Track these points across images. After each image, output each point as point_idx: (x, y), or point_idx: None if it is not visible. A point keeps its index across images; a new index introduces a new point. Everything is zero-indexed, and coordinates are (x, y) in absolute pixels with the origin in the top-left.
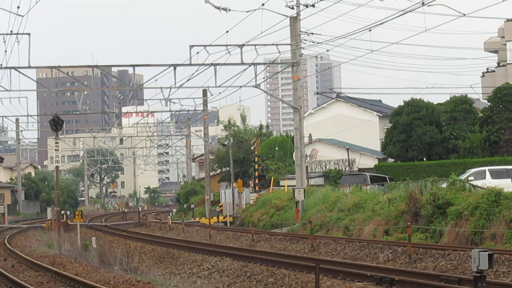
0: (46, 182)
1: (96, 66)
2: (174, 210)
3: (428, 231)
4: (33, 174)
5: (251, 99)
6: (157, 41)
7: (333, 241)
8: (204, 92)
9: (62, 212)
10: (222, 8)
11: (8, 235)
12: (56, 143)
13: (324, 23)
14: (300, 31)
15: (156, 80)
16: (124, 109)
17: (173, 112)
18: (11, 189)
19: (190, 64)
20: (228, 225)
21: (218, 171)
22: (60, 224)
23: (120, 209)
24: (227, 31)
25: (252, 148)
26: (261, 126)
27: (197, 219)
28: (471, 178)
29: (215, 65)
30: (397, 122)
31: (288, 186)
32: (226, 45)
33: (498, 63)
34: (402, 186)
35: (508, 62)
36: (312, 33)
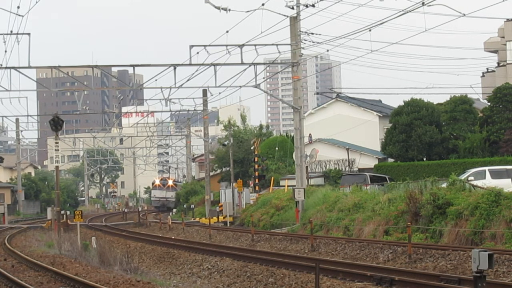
0: (46, 182)
1: (96, 66)
2: (174, 210)
3: (428, 231)
4: (33, 174)
5: (251, 99)
6: (157, 41)
7: (333, 241)
8: (204, 92)
9: (62, 212)
10: (222, 8)
11: (8, 235)
12: (56, 143)
13: (324, 23)
14: (300, 31)
15: (156, 80)
16: (124, 109)
17: (173, 112)
18: (11, 189)
19: (190, 64)
20: (228, 225)
21: (218, 171)
22: (60, 224)
23: (120, 209)
24: (227, 31)
25: (252, 148)
26: (261, 126)
27: (197, 219)
28: (471, 178)
29: (215, 65)
30: (397, 122)
31: (288, 186)
32: (226, 45)
33: (498, 63)
34: (402, 186)
35: (508, 62)
36: (312, 33)
